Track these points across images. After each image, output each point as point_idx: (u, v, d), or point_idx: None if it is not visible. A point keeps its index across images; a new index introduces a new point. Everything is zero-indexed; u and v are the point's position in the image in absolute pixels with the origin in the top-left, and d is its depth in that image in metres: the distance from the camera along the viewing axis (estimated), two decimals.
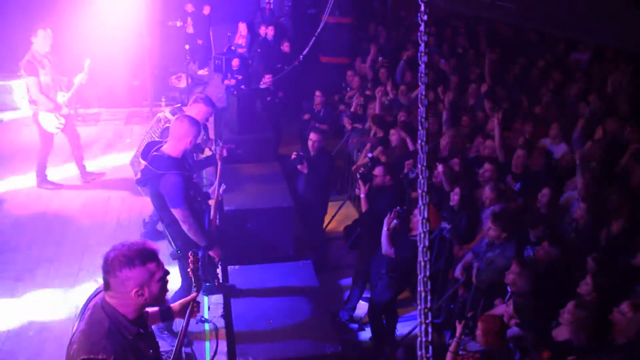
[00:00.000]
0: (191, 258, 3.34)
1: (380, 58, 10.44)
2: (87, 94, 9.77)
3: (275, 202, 6.59)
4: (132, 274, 2.49)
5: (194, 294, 3.18)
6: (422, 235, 1.40)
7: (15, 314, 4.98)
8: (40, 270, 5.60)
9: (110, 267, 2.50)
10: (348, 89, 10.39)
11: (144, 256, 2.53)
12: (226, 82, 10.20)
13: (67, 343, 4.73)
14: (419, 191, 1.43)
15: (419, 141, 1.44)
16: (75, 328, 2.61)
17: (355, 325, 6.43)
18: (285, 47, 10.97)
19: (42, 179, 7.26)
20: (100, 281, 2.59)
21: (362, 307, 6.40)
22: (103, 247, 6.23)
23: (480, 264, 5.45)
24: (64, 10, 9.26)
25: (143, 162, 4.26)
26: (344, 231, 7.78)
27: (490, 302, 5.22)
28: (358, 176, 6.12)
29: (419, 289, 1.37)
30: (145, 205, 6.51)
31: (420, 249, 1.39)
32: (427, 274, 1.36)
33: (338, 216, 8.01)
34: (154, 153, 4.21)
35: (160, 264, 2.59)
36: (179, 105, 5.75)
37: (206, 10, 12.97)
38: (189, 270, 3.32)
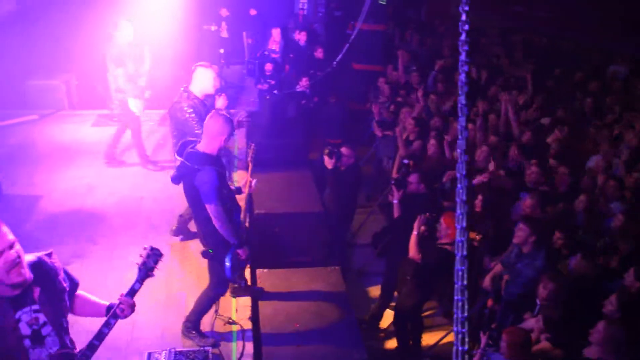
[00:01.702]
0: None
1: (413, 68, 10.41)
2: None
3: (304, 207, 6.62)
4: None
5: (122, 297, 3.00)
6: (460, 244, 1.40)
7: None
8: (73, 266, 5.69)
9: None
10: (380, 96, 10.37)
11: None
12: (259, 86, 10.28)
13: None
14: (457, 200, 1.43)
15: (459, 150, 1.44)
16: None
17: (382, 334, 6.41)
18: (319, 53, 11.01)
19: (145, 160, 7.82)
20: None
21: (390, 315, 6.37)
22: (134, 246, 6.38)
23: (508, 275, 5.38)
24: (102, 14, 9.48)
25: (179, 159, 4.34)
26: (372, 238, 7.76)
27: (520, 315, 5.15)
28: (392, 182, 6.12)
29: (455, 297, 1.37)
30: (176, 206, 6.61)
31: (458, 257, 1.39)
32: (465, 282, 1.36)
33: (366, 223, 8.00)
34: (190, 150, 4.32)
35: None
36: (184, 86, 5.82)
37: (253, 12, 13.16)
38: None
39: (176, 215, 6.34)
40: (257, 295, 5.55)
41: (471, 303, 6.02)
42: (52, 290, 2.77)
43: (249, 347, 4.93)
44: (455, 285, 1.38)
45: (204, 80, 5.68)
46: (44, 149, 8.52)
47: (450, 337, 6.05)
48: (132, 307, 2.97)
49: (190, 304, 4.93)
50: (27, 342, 2.64)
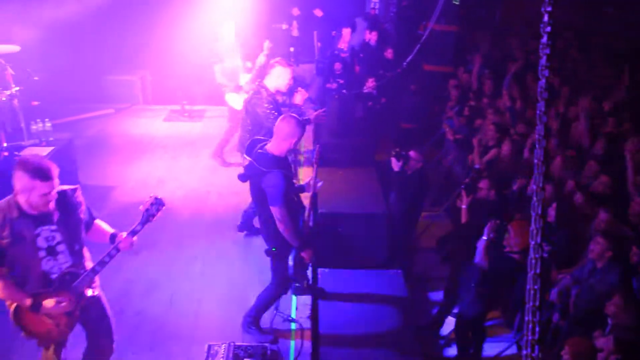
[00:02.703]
0: None
1: (486, 71, 10.13)
2: (193, 91, 10.24)
3: (368, 208, 6.55)
4: (20, 178, 3.14)
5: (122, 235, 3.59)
6: (534, 261, 1.30)
7: (116, 296, 5.26)
8: (141, 256, 5.89)
9: (15, 165, 3.18)
10: (450, 98, 10.16)
11: (35, 172, 3.12)
12: (328, 85, 10.28)
13: (160, 326, 4.99)
14: (533, 214, 1.34)
15: (535, 160, 1.35)
16: None
17: (442, 341, 6.27)
18: (389, 53, 10.90)
19: (218, 155, 7.98)
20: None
21: (451, 323, 6.23)
22: (199, 239, 6.50)
23: (579, 290, 5.15)
24: (176, 12, 9.76)
25: (247, 159, 4.36)
26: (437, 243, 7.62)
27: (588, 333, 4.91)
28: (462, 187, 5.99)
29: (526, 318, 1.28)
30: (241, 201, 6.70)
31: (530, 275, 1.30)
32: (537, 303, 1.27)
33: (431, 227, 7.86)
34: (259, 151, 4.32)
35: (48, 184, 3.14)
36: (259, 81, 5.88)
37: (318, 12, 13.15)
38: None
39: (241, 211, 6.42)
40: (318, 294, 5.55)
41: None
42: (70, 217, 3.41)
43: (307, 346, 4.94)
44: (527, 306, 1.29)
45: (280, 78, 5.75)
46: (118, 141, 8.85)
47: (513, 349, 5.87)
48: (132, 245, 3.60)
49: (251, 299, 4.97)
50: (41, 253, 3.29)
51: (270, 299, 4.82)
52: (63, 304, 3.35)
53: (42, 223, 3.28)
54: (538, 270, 1.29)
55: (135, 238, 3.60)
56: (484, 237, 5.18)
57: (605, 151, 6.86)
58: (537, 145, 1.37)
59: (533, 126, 7.48)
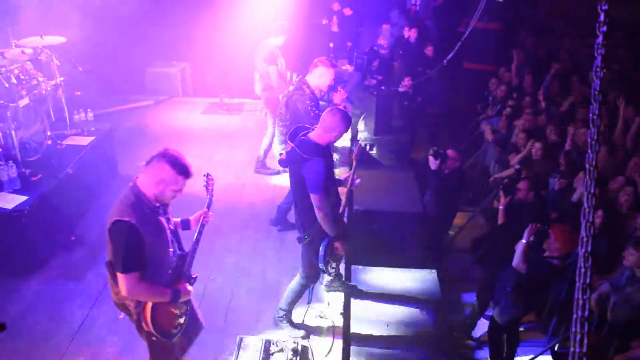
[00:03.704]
0: None
1: (527, 69, 9.93)
2: (232, 85, 10.31)
3: (404, 207, 6.50)
4: (164, 170, 3.18)
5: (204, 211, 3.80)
6: (583, 270, 1.25)
7: None
8: None
9: (158, 156, 3.22)
10: (490, 97, 10.00)
11: (182, 169, 3.22)
12: (366, 82, 10.23)
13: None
14: (583, 221, 1.28)
15: (587, 166, 1.29)
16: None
17: (474, 343, 6.20)
18: (429, 50, 10.77)
19: (260, 167, 7.70)
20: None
21: (483, 325, 6.15)
22: (234, 232, 6.51)
23: (617, 298, 5.00)
24: (217, 5, 9.82)
25: (290, 144, 4.38)
26: (472, 244, 7.51)
27: (626, 341, 4.78)
28: (501, 187, 5.89)
29: (573, 329, 1.23)
30: (276, 195, 6.72)
31: (579, 285, 1.25)
32: (586, 314, 1.22)
33: (466, 228, 7.76)
34: (302, 137, 4.35)
35: (185, 183, 3.26)
36: (300, 77, 5.86)
37: (347, 11, 13.05)
38: None
39: (276, 205, 6.44)
40: (351, 291, 5.53)
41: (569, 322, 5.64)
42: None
43: (339, 342, 4.92)
44: (574, 316, 1.24)
45: (322, 78, 5.74)
46: (157, 133, 8.97)
47: (546, 355, 5.76)
48: (210, 216, 3.83)
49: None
50: (171, 240, 3.39)
51: (299, 290, 4.82)
52: (189, 288, 3.47)
53: (164, 212, 3.39)
54: (588, 281, 1.24)
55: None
56: (523, 241, 5.07)
57: None
58: (589, 150, 1.32)
59: (567, 127, 7.31)
